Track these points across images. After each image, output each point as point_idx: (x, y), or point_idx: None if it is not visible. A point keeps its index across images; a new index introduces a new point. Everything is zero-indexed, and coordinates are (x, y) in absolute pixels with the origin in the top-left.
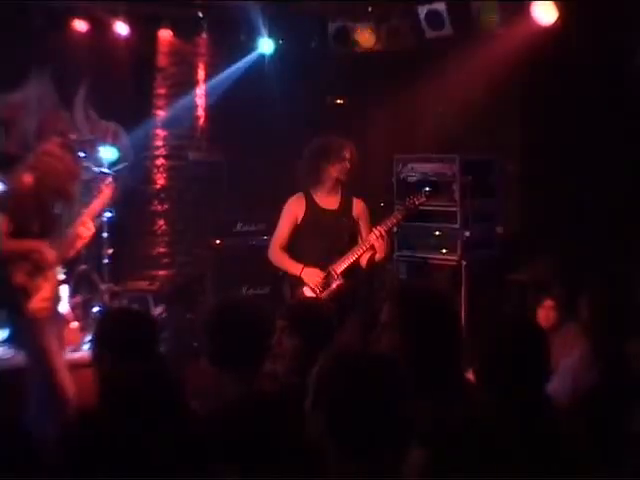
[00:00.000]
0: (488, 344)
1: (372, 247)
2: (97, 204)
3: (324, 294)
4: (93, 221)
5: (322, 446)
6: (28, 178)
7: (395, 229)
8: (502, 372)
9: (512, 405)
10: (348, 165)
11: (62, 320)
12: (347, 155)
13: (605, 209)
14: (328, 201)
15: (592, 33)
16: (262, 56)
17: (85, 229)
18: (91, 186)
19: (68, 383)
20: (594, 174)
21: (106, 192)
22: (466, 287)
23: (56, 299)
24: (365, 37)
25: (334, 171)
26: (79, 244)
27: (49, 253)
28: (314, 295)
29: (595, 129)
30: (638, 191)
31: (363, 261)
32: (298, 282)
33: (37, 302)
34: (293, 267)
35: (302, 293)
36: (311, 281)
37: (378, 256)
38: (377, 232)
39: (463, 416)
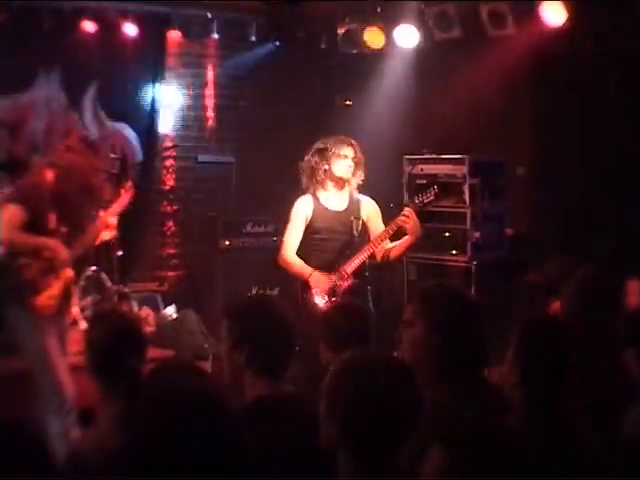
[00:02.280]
0: (531, 342)
1: (385, 243)
2: (116, 207)
3: (336, 295)
4: (112, 222)
5: (335, 449)
6: (49, 174)
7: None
8: (546, 370)
9: (548, 404)
10: (350, 164)
11: (67, 321)
12: (348, 153)
13: (615, 210)
14: (336, 201)
15: (602, 34)
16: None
17: (108, 231)
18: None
19: (67, 384)
20: (604, 175)
21: (125, 196)
22: (476, 288)
23: (65, 299)
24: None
25: (336, 170)
26: (95, 242)
27: (62, 252)
28: (324, 299)
29: (605, 130)
30: None
31: (378, 256)
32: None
33: (43, 299)
34: (301, 272)
35: (312, 295)
36: (318, 287)
37: (409, 239)
38: (407, 212)
39: (479, 415)
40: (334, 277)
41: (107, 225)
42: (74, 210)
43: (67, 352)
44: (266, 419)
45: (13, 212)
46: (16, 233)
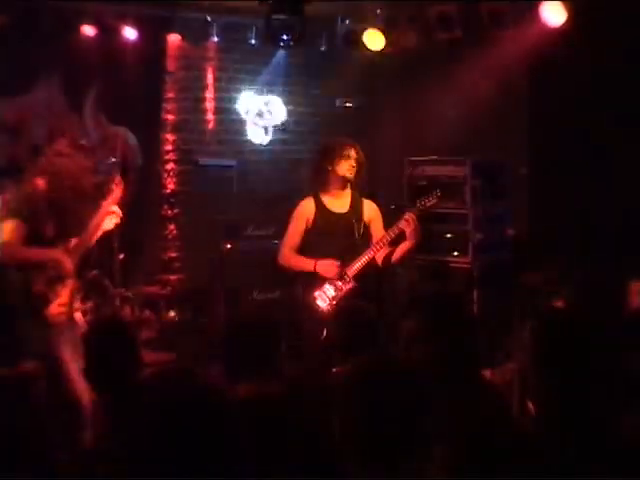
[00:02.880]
0: (553, 341)
1: (388, 245)
2: (108, 204)
3: (337, 299)
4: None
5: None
6: (41, 182)
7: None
8: (569, 368)
9: (572, 403)
10: (354, 164)
11: (78, 327)
12: (351, 154)
13: (616, 211)
14: (338, 204)
15: (602, 33)
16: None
17: (111, 219)
18: (102, 189)
19: (83, 390)
20: (605, 176)
21: (117, 190)
22: (478, 289)
23: (73, 305)
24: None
25: (339, 171)
26: (100, 234)
27: (67, 262)
28: (325, 302)
29: (605, 130)
30: None
31: (379, 260)
32: (310, 283)
33: (55, 308)
34: (306, 264)
35: (314, 297)
36: (328, 272)
37: (408, 243)
38: (408, 217)
39: (481, 416)
40: (340, 262)
41: (108, 213)
42: (69, 214)
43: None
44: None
45: (12, 227)
46: (18, 249)
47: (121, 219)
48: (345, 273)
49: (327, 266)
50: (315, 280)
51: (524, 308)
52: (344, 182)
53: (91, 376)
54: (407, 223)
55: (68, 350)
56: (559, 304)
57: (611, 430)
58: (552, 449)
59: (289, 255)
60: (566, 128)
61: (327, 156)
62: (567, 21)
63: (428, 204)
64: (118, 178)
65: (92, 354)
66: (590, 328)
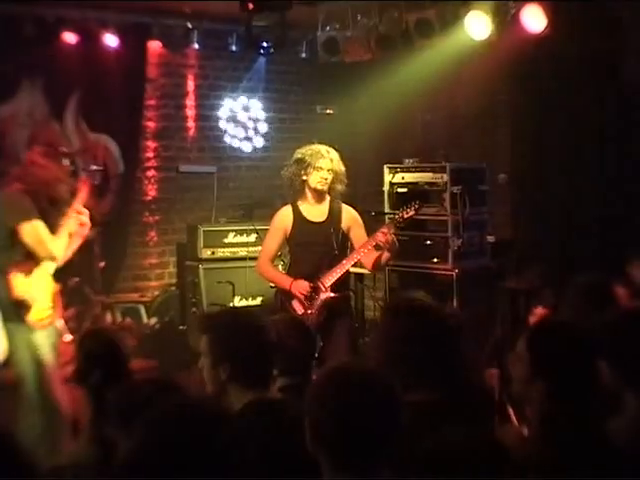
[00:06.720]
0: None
1: (376, 248)
2: (77, 202)
3: (312, 308)
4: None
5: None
6: (18, 188)
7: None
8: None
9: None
10: (326, 175)
11: (58, 333)
12: (324, 165)
13: (598, 215)
14: (315, 213)
15: (582, 39)
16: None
17: (80, 225)
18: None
19: (62, 395)
20: (585, 182)
21: (84, 189)
22: (458, 296)
23: (53, 311)
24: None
25: (311, 182)
26: (77, 241)
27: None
28: (303, 310)
29: (585, 136)
30: (628, 199)
31: (368, 264)
32: (289, 294)
33: (36, 313)
34: (282, 281)
35: (292, 307)
36: (298, 292)
37: (385, 255)
38: (384, 229)
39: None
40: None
41: (78, 214)
42: (46, 220)
43: (59, 363)
44: (255, 424)
45: (39, 225)
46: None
47: (98, 226)
48: (321, 284)
49: (300, 287)
50: None
51: (505, 314)
52: (319, 192)
53: (83, 382)
54: (384, 236)
55: (49, 355)
56: (541, 309)
57: (602, 433)
58: (545, 455)
59: (266, 266)
60: (547, 133)
61: (301, 166)
62: (548, 26)
63: (406, 216)
64: (84, 177)
65: (87, 360)
66: (587, 335)
